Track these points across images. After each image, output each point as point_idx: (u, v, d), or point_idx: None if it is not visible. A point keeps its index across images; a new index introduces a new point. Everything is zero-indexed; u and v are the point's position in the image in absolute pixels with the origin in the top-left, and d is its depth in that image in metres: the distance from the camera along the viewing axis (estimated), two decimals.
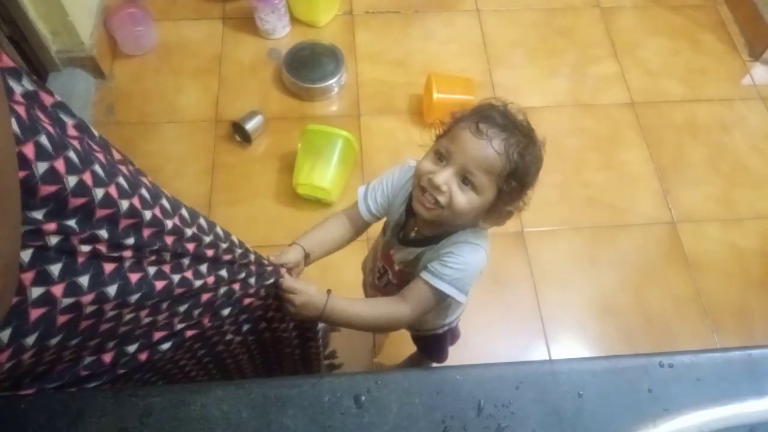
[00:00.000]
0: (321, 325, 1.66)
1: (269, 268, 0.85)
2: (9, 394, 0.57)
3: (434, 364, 1.49)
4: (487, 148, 0.81)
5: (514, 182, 0.84)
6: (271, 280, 0.85)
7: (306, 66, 2.07)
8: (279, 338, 1.01)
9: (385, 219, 1.05)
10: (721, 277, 1.79)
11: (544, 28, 2.34)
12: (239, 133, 1.94)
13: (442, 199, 0.83)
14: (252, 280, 0.81)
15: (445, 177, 0.82)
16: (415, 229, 0.96)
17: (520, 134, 0.84)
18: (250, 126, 1.91)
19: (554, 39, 2.31)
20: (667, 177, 1.99)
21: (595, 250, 1.83)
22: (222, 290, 0.76)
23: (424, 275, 0.91)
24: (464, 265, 0.89)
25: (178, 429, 0.58)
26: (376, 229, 1.10)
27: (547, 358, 1.63)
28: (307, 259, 0.96)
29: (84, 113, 1.94)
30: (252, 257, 0.82)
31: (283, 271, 0.89)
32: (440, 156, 0.85)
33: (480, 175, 0.82)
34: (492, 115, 0.84)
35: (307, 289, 0.88)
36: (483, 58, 2.23)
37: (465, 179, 0.82)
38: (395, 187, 1.00)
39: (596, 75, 2.22)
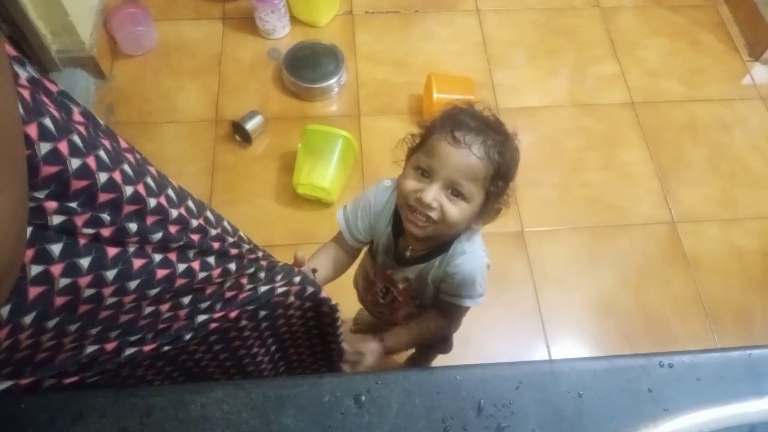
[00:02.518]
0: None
1: (279, 264, 0.85)
2: (10, 383, 0.57)
3: (435, 361, 1.49)
4: (468, 156, 0.80)
5: (500, 181, 0.85)
6: (281, 277, 0.84)
7: (306, 66, 2.07)
8: (297, 332, 1.01)
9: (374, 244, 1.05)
10: (721, 277, 1.79)
11: (544, 28, 2.34)
12: (239, 133, 1.94)
13: (434, 215, 0.83)
14: (262, 275, 0.80)
15: (433, 194, 0.81)
16: (409, 248, 0.96)
17: (494, 133, 0.84)
18: (250, 126, 1.91)
19: (554, 39, 2.31)
20: (667, 177, 1.99)
21: (595, 250, 1.83)
22: (228, 284, 0.76)
23: (447, 298, 0.96)
24: (472, 277, 0.92)
25: (178, 429, 0.58)
26: None
27: (547, 358, 1.63)
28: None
29: None
30: (260, 254, 0.81)
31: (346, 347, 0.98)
32: (422, 172, 0.84)
33: (467, 184, 0.81)
34: (464, 120, 0.83)
35: (365, 348, 0.97)
36: (483, 58, 2.23)
37: (453, 191, 0.82)
38: (375, 210, 0.98)
39: (596, 75, 2.22)
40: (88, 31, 1.96)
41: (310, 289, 0.86)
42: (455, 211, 0.82)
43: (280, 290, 0.81)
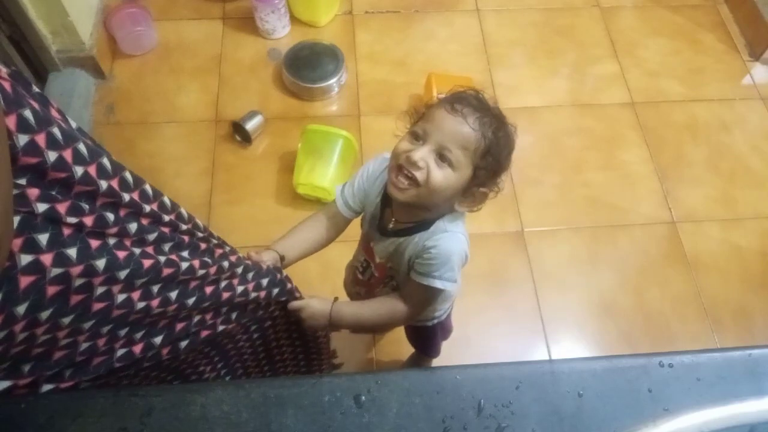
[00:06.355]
0: None
1: (248, 262, 0.86)
2: (9, 384, 0.57)
3: (432, 363, 1.49)
4: (462, 124, 0.83)
5: (490, 158, 0.85)
6: (252, 276, 0.85)
7: (306, 66, 2.06)
8: (280, 333, 1.02)
9: (362, 214, 1.05)
10: (721, 277, 1.79)
11: (544, 28, 2.34)
12: (239, 133, 1.94)
13: (419, 175, 0.84)
14: (239, 270, 0.82)
15: (422, 153, 0.84)
16: (393, 219, 0.96)
17: (492, 116, 0.86)
18: (250, 126, 1.91)
19: (554, 39, 2.31)
20: (667, 177, 1.99)
21: (595, 250, 1.83)
22: (223, 284, 0.77)
23: (415, 277, 0.94)
24: (447, 256, 0.91)
25: (178, 429, 0.58)
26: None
27: (547, 358, 1.63)
28: (283, 261, 0.97)
29: (84, 113, 1.94)
30: (227, 248, 0.84)
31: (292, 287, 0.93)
32: (417, 136, 0.86)
33: (456, 151, 0.83)
34: (466, 97, 0.87)
35: (308, 303, 0.94)
36: (483, 58, 2.23)
37: (442, 156, 0.84)
38: (370, 178, 1.01)
39: (596, 75, 2.22)
40: (88, 31, 1.95)
41: (275, 291, 0.88)
42: (440, 175, 0.84)
43: (252, 295, 0.83)
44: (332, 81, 2.05)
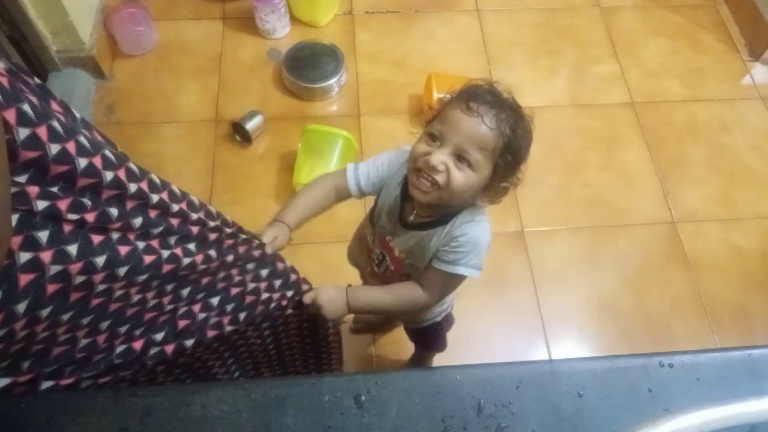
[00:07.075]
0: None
1: (254, 254, 0.86)
2: (9, 381, 0.57)
3: (435, 360, 1.49)
4: (479, 125, 0.82)
5: (509, 156, 0.85)
6: (267, 269, 0.85)
7: (306, 66, 2.07)
8: (291, 333, 1.02)
9: (374, 203, 1.04)
10: (721, 277, 1.79)
11: (544, 28, 2.34)
12: (239, 133, 1.94)
13: (440, 179, 0.84)
14: (251, 266, 0.82)
15: (441, 157, 0.83)
16: (414, 212, 0.96)
17: (509, 110, 0.86)
18: (250, 126, 1.91)
19: (554, 39, 2.31)
20: (667, 177, 1.99)
21: (595, 250, 1.83)
22: (221, 274, 0.77)
23: (440, 265, 0.92)
24: (475, 243, 0.91)
25: (178, 429, 0.58)
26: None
27: (547, 358, 1.63)
28: (291, 232, 0.97)
29: (84, 113, 1.94)
30: (242, 237, 0.82)
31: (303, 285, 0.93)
32: (434, 137, 0.85)
33: (475, 152, 0.83)
34: (480, 93, 0.86)
35: (323, 289, 0.94)
36: (483, 58, 2.23)
37: (460, 158, 0.83)
38: (391, 169, 0.99)
39: (596, 75, 2.22)
40: (88, 31, 1.95)
41: (277, 282, 0.88)
42: (460, 177, 0.83)
43: (251, 286, 0.83)
44: (332, 81, 2.05)
